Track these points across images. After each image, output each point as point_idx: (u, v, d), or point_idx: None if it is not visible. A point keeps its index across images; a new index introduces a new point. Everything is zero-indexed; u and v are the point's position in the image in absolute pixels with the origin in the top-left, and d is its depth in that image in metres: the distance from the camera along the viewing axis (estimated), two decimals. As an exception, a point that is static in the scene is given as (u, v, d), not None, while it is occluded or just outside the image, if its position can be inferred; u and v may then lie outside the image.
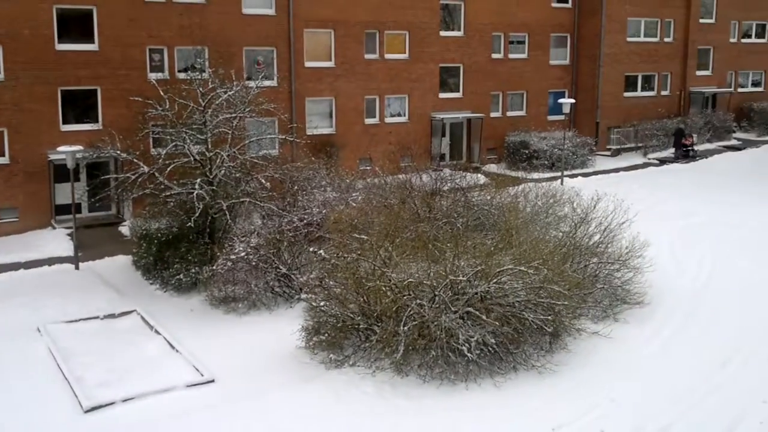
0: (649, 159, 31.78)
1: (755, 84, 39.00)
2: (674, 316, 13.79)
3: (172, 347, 13.10)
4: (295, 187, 17.35)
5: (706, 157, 31.59)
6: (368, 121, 27.96)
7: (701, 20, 35.25)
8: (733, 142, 34.78)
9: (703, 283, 15.68)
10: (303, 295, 13.66)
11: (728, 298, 14.70)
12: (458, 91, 30.40)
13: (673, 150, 32.31)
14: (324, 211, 16.35)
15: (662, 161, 31.35)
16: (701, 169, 29.60)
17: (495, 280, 12.13)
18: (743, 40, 37.79)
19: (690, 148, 32.43)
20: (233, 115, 17.08)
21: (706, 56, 36.21)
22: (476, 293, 12.07)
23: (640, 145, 32.83)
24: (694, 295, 14.91)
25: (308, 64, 26.34)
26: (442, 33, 29.46)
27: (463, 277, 12.15)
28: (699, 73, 35.88)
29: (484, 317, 11.78)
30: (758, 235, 19.36)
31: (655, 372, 11.65)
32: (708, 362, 11.96)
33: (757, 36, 38.28)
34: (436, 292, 12.04)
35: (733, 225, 20.47)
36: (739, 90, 38.06)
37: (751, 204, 23.07)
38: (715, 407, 10.42)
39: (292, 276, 14.85)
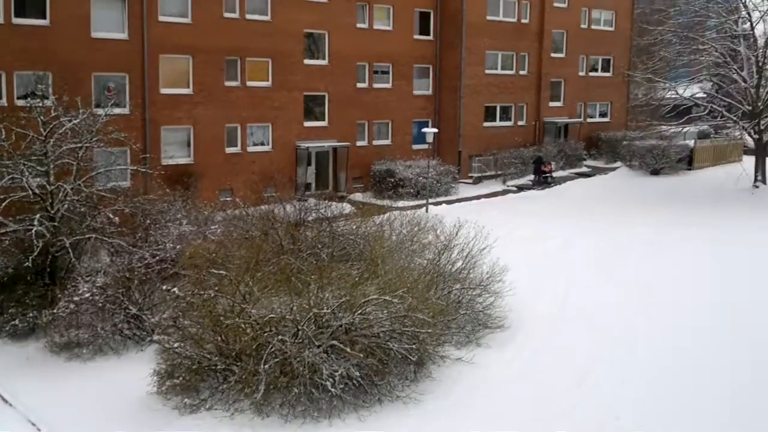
0: (508, 186, 32.97)
1: (602, 115, 41.67)
2: (533, 338, 14.09)
3: (5, 401, 11.88)
4: (148, 221, 16.39)
5: (560, 184, 33.23)
6: (229, 150, 27.21)
7: (553, 55, 37.29)
8: (584, 169, 36.87)
9: (559, 305, 16.15)
10: (155, 337, 12.80)
11: (584, 318, 15.20)
12: (324, 120, 30.30)
13: (532, 177, 33.81)
14: (179, 246, 15.51)
15: (520, 188, 32.65)
16: (556, 195, 31.08)
17: (360, 311, 11.87)
18: (591, 74, 40.33)
19: (549, 175, 34.00)
20: (78, 144, 15.93)
21: (558, 88, 38.28)
22: (341, 325, 11.75)
23: (499, 172, 33.99)
24: (551, 317, 15.32)
25: (164, 90, 25.36)
26: (307, 61, 29.32)
27: (327, 309, 11.79)
28: (552, 104, 37.81)
29: (348, 350, 11.46)
30: (610, 257, 20.42)
31: (515, 394, 11.80)
32: (565, 381, 12.20)
33: (603, 70, 40.99)
34: (300, 327, 11.60)
35: (587, 248, 21.46)
36: (589, 120, 40.36)
37: (603, 227, 24.41)
38: (573, 425, 10.65)
39: (144, 317, 13.91)
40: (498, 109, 35.65)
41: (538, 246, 21.63)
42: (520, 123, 36.48)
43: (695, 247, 21.27)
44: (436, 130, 28.96)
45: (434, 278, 14.33)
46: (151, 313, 13.92)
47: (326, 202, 19.44)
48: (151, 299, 14.21)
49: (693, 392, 11.72)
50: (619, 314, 15.44)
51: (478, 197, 30.36)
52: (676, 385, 11.99)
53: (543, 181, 33.48)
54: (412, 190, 29.43)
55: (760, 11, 30.37)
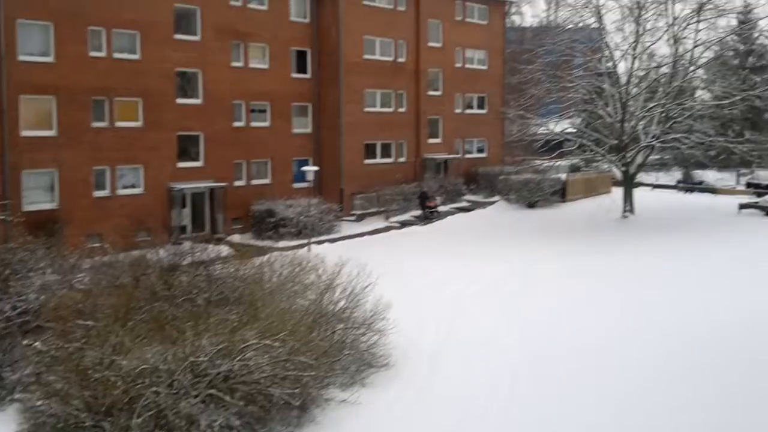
0: (391, 222, 33.41)
1: (480, 150, 43.23)
2: (418, 375, 14.24)
3: None
4: (7, 272, 15.52)
5: (442, 218, 34.08)
6: (98, 193, 26.20)
7: (429, 93, 38.44)
8: (464, 203, 37.95)
9: (443, 340, 16.40)
10: (16, 395, 12.07)
11: (468, 352, 15.51)
12: (199, 160, 29.80)
13: (418, 212, 34.56)
14: (43, 297, 14.76)
15: (403, 224, 33.21)
16: (437, 230, 31.86)
17: (239, 357, 11.70)
18: (467, 111, 41.93)
19: (434, 210, 34.79)
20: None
21: (436, 126, 39.44)
22: (219, 373, 11.53)
23: (382, 209, 34.41)
24: (436, 353, 15.49)
25: (25, 133, 24.24)
26: (179, 100, 28.86)
27: (204, 357, 11.57)
28: (431, 140, 38.85)
29: (228, 398, 11.27)
30: (491, 288, 21.19)
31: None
32: (448, 416, 12.42)
33: (478, 107, 42.68)
34: (175, 377, 11.29)
35: (468, 281, 22.18)
36: (467, 156, 41.67)
37: (483, 260, 25.31)
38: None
39: (3, 375, 13.07)
40: (378, 146, 36.22)
41: (421, 281, 22.00)
42: (400, 159, 37.14)
43: (572, 277, 22.48)
44: (316, 168, 29.09)
45: (317, 319, 14.32)
46: (11, 370, 13.12)
47: (202, 244, 19.13)
48: (11, 355, 13.40)
49: (576, 418, 12.25)
50: (501, 346, 15.83)
51: (361, 235, 30.59)
52: (560, 413, 12.42)
53: (428, 216, 34.16)
54: (293, 230, 29.28)
55: (621, 50, 33.03)
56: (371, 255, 23.24)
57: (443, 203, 36.77)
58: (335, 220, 31.31)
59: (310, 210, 28.46)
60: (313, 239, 28.05)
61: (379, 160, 36.26)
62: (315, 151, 34.32)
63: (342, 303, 15.00)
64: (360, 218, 33.89)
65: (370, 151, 35.81)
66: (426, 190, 35.50)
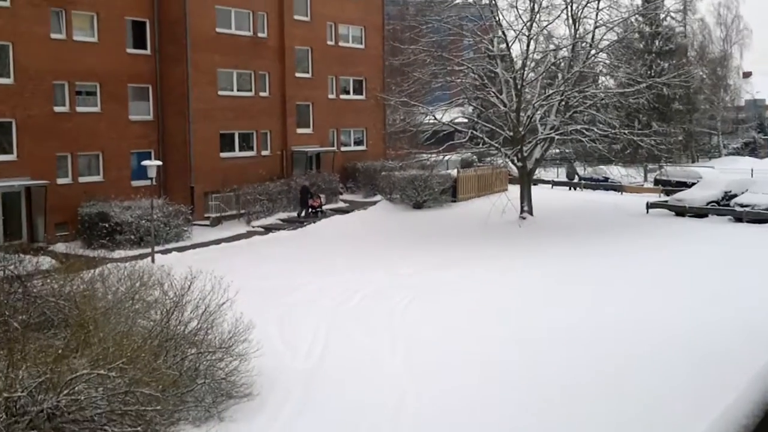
0: (253, 227, 33.39)
1: (358, 142, 43.83)
2: (287, 403, 14.20)
3: None
4: None
5: (313, 222, 34.41)
6: None
7: (297, 75, 38.51)
8: (341, 204, 38.32)
9: (316, 364, 16.43)
10: None
11: (345, 376, 15.64)
12: (12, 153, 28.50)
13: (287, 215, 34.72)
14: None
15: (268, 229, 33.20)
16: (309, 236, 32.00)
17: (67, 391, 11.27)
18: (342, 97, 42.33)
19: (318, 209, 35.14)
20: None
21: (306, 113, 39.58)
22: (42, 411, 11.06)
23: (242, 211, 34.29)
24: (308, 376, 15.50)
25: None
26: (-16, 78, 27.55)
27: (22, 391, 11.06)
28: (300, 130, 39.00)
29: (53, 442, 10.82)
30: (373, 302, 21.46)
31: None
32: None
33: (355, 92, 43.15)
34: (-17, 419, 10.73)
35: (346, 294, 22.40)
36: (343, 149, 42.25)
37: (362, 270, 25.65)
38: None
39: None
40: (236, 136, 36.11)
41: (291, 296, 22.05)
42: (264, 153, 37.18)
43: (464, 287, 23.18)
44: (160, 162, 28.50)
45: (163, 343, 14.03)
46: None
47: (18, 255, 18.40)
48: None
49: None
50: (384, 369, 16.02)
51: (217, 242, 30.40)
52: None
53: (311, 215, 34.71)
54: (133, 237, 28.76)
55: (515, 30, 34.12)
56: (230, 266, 23.23)
57: (316, 204, 37.05)
58: (185, 224, 31.06)
59: (153, 213, 27.80)
60: (158, 248, 27.65)
61: (237, 153, 36.16)
62: (158, 142, 33.82)
63: (194, 324, 14.79)
64: (215, 222, 33.70)
65: (226, 142, 35.64)
66: (308, 185, 35.73)
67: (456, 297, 21.87)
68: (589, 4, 34.07)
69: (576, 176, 47.14)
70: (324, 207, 36.48)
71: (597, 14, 34.21)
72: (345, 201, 39.23)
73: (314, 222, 34.32)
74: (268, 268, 25.67)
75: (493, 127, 35.10)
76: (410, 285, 23.46)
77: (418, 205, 37.65)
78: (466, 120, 40.06)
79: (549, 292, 22.00)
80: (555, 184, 46.86)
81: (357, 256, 28.07)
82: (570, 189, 45.79)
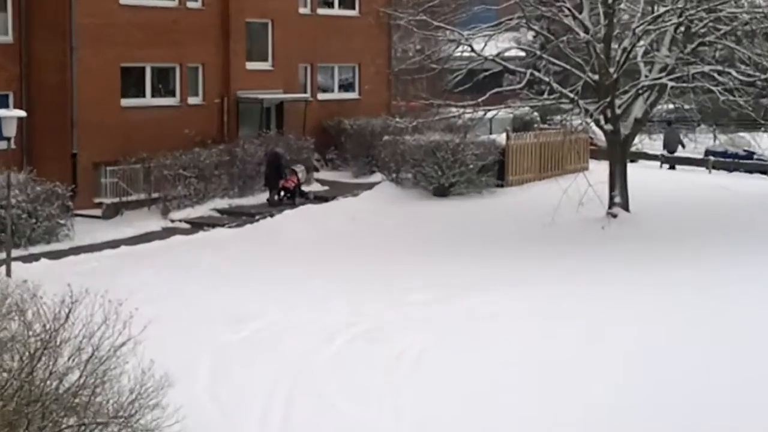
0: (173, 221, 33.49)
1: (345, 86, 43.65)
2: None
3: None
4: None
5: (271, 215, 34.37)
6: None
7: (249, -28, 38.55)
8: (316, 186, 38.30)
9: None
10: None
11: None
12: None
13: (250, 199, 35.57)
14: None
15: (197, 224, 33.17)
16: (264, 238, 31.91)
17: None
18: (322, 11, 42.03)
19: (295, 191, 35.89)
20: None
21: (263, 37, 39.43)
22: None
23: (156, 195, 34.29)
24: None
25: None
26: None
27: None
28: (252, 65, 38.92)
29: None
30: (363, 350, 21.10)
31: None
32: None
33: (344, 5, 42.95)
34: None
35: (321, 335, 22.14)
36: (322, 97, 42.17)
37: (350, 296, 25.38)
38: None
39: None
40: (148, 73, 36.12)
41: (231, 333, 22.02)
42: (192, 101, 37.25)
43: (508, 330, 22.83)
44: (22, 113, 28.27)
45: (23, 407, 13.85)
46: None
47: None
48: None
49: None
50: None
51: (114, 244, 30.34)
52: None
53: (285, 200, 35.65)
54: (-23, 235, 28.54)
55: None
56: (135, 284, 23.25)
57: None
58: (62, 215, 31.07)
59: (9, 195, 27.54)
60: (18, 252, 27.60)
61: (149, 100, 36.27)
62: (20, 80, 33.82)
63: (74, 376, 14.60)
64: (112, 212, 33.80)
65: (131, 81, 35.72)
66: (280, 151, 36.41)
67: (498, 344, 21.65)
68: None
69: (679, 146, 47.04)
70: (308, 189, 36.93)
71: None
72: (323, 182, 39.16)
73: (275, 215, 34.31)
74: (196, 289, 25.57)
75: (567, 67, 34.91)
76: (425, 321, 23.27)
77: (441, 191, 37.59)
78: (522, 54, 39.79)
79: (657, 349, 21.69)
80: (667, 160, 46.66)
81: (341, 273, 27.92)
82: (667, 167, 46.05)
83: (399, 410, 18.06)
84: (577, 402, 18.43)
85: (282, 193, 36.06)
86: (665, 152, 47.59)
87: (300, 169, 36.94)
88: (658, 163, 46.59)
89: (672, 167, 46.49)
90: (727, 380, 19.31)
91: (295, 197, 35.93)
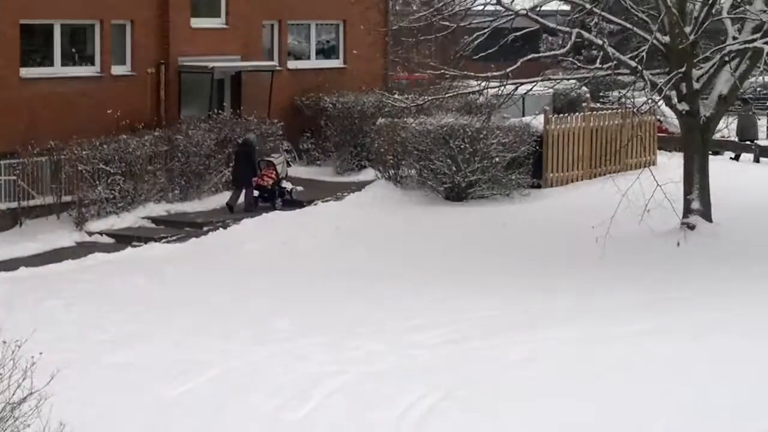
0: (91, 234, 33.84)
1: (326, 52, 43.98)
2: None
3: None
4: None
5: (224, 225, 34.57)
6: None
7: None
8: (285, 185, 38.41)
9: None
10: None
11: None
12: None
13: (235, 193, 36.52)
14: None
15: (123, 238, 33.38)
16: (213, 258, 32.09)
17: None
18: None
19: (276, 189, 36.87)
20: None
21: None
22: None
23: (68, 199, 34.53)
24: None
25: None
26: None
27: None
28: (198, 22, 39.53)
29: None
30: (348, 410, 21.17)
31: None
32: None
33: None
34: None
35: (293, 389, 22.00)
36: (293, 65, 42.86)
37: (333, 335, 25.33)
38: None
39: None
40: (57, 33, 36.58)
41: (168, 386, 21.93)
42: (116, 71, 37.80)
43: (546, 386, 22.77)
44: None
45: None
46: None
47: None
48: None
49: None
50: None
51: (10, 265, 30.56)
52: None
53: (264, 201, 37.15)
54: None
55: None
56: (39, 319, 23.43)
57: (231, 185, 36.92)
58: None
59: None
60: None
61: (59, 69, 36.84)
62: None
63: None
64: (9, 221, 34.11)
65: (34, 44, 36.38)
66: (253, 140, 37.16)
67: (535, 404, 21.64)
68: None
69: (753, 133, 47.22)
70: (290, 186, 37.71)
71: None
72: (297, 180, 39.44)
73: (230, 225, 34.62)
74: (123, 327, 25.71)
75: (628, 26, 35.05)
76: (433, 370, 23.26)
77: (456, 194, 37.90)
78: (566, 8, 39.84)
79: (734, 400, 21.71)
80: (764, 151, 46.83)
81: (318, 305, 28.02)
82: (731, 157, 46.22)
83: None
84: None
85: (258, 195, 36.63)
86: (738, 138, 47.95)
87: (278, 160, 37.48)
88: (751, 155, 46.62)
89: (737, 158, 46.93)
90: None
91: (273, 198, 36.62)
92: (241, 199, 36.76)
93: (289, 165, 39.71)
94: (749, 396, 21.60)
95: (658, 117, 41.06)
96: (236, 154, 36.91)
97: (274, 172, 36.80)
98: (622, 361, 23.88)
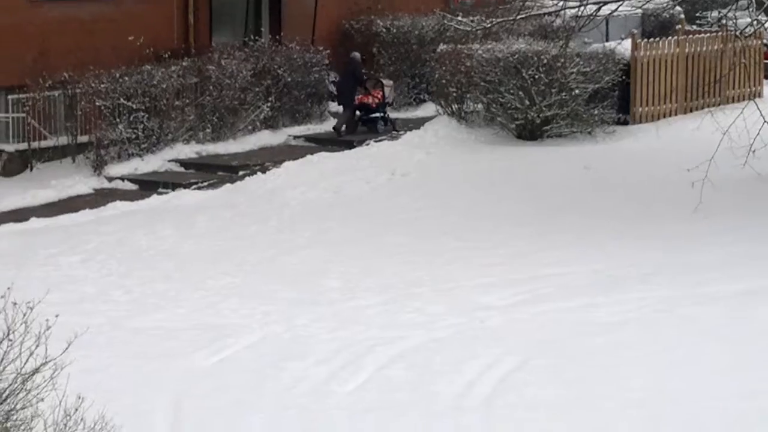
0: (111, 180, 34.13)
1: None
2: None
3: None
4: None
5: (263, 169, 34.80)
6: None
7: None
8: (330, 125, 38.93)
9: None
10: None
11: None
12: None
13: (340, 119, 38.43)
14: None
15: (148, 184, 33.62)
16: (249, 204, 32.34)
17: None
18: None
19: (380, 111, 37.80)
20: None
21: None
22: None
23: (84, 139, 34.89)
24: None
25: None
26: None
27: None
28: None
29: None
30: (409, 378, 21.24)
31: None
32: None
33: None
34: None
35: (343, 355, 22.01)
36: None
37: (389, 295, 25.43)
38: None
39: None
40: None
41: (200, 353, 22.09)
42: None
43: (641, 350, 22.94)
44: None
45: None
46: None
47: None
48: None
49: None
50: None
51: (20, 215, 30.88)
52: None
53: (364, 123, 38.49)
54: None
55: None
56: (53, 278, 23.79)
57: (272, 125, 37.11)
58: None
59: None
60: None
61: None
62: None
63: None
64: (18, 165, 34.52)
65: None
66: (357, 57, 38.43)
67: (621, 373, 21.76)
68: None
69: None
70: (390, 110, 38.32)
71: None
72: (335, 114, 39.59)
73: (270, 168, 34.80)
74: (147, 285, 25.93)
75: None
76: (504, 336, 23.43)
77: (530, 132, 37.97)
78: None
79: None
80: None
81: (372, 261, 28.15)
82: None
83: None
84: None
85: (362, 113, 37.54)
86: None
87: (388, 82, 38.27)
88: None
89: None
90: None
91: (376, 122, 37.44)
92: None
93: (333, 100, 40.04)
94: None
95: (764, 41, 40.86)
96: (343, 75, 38.30)
97: (381, 93, 37.55)
98: (725, 326, 24.01)
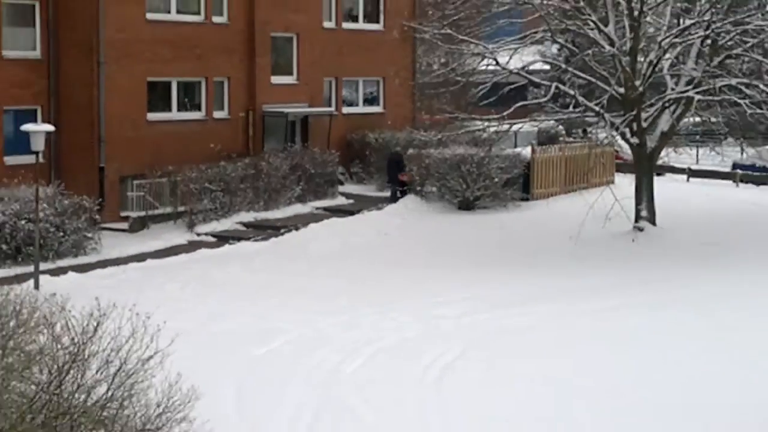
0: (199, 235, 33.62)
1: (370, 100, 43.59)
2: None
3: None
4: None
5: (296, 228, 34.48)
6: None
7: (275, -12, 38.49)
8: (340, 200, 38.37)
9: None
10: None
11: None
12: None
13: (390, 192, 38.56)
14: None
15: (222, 238, 33.27)
16: (288, 252, 32.07)
17: None
18: (347, 25, 42.07)
19: (406, 187, 37.57)
20: None
21: (287, 51, 39.49)
22: None
23: (182, 209, 34.38)
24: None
25: None
26: None
27: None
28: (277, 79, 38.94)
29: None
30: (390, 363, 21.28)
31: None
32: None
33: (368, 19, 42.90)
34: None
35: (347, 349, 22.27)
36: (346, 111, 42.27)
37: (376, 310, 25.71)
38: None
39: None
40: (175, 87, 36.25)
41: (258, 347, 22.27)
42: (218, 115, 37.32)
43: (537, 347, 22.76)
44: (51, 127, 28.39)
45: (52, 420, 13.88)
46: None
47: None
48: None
49: None
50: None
51: (140, 257, 30.53)
52: None
53: (400, 195, 38.31)
54: (4, 247, 28.92)
55: None
56: (162, 298, 23.53)
57: (302, 198, 36.94)
58: (90, 228, 31.16)
59: (38, 209, 27.70)
60: (46, 266, 27.72)
61: (175, 114, 36.39)
62: (48, 95, 33.87)
63: (102, 389, 14.63)
64: (139, 226, 33.82)
65: (158, 96, 35.78)
66: (400, 151, 39.30)
67: (526, 358, 21.77)
68: None
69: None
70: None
71: None
72: (347, 195, 39.23)
73: (300, 228, 34.49)
74: (222, 303, 25.84)
75: (592, 80, 34.81)
76: (451, 336, 23.60)
77: (466, 205, 37.64)
78: (547, 67, 39.61)
79: (686, 363, 21.63)
80: (693, 174, 46.48)
81: (367, 287, 28.15)
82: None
83: (426, 425, 18.24)
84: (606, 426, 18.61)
85: (399, 188, 38.09)
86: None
87: (409, 172, 38.49)
88: (684, 176, 46.42)
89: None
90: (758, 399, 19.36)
91: (406, 193, 37.91)
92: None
93: (341, 183, 39.91)
94: (697, 356, 21.96)
95: (615, 148, 40.77)
96: (389, 161, 38.59)
97: (410, 175, 38.05)
98: (597, 330, 24.26)
